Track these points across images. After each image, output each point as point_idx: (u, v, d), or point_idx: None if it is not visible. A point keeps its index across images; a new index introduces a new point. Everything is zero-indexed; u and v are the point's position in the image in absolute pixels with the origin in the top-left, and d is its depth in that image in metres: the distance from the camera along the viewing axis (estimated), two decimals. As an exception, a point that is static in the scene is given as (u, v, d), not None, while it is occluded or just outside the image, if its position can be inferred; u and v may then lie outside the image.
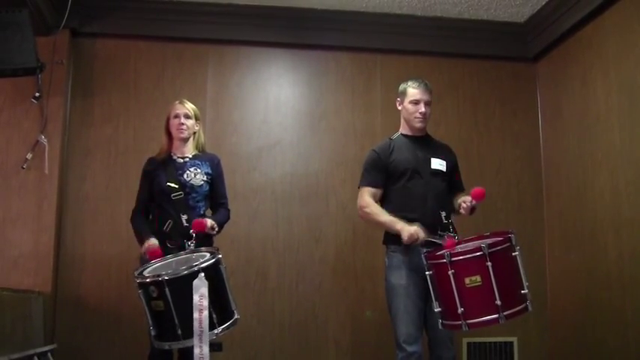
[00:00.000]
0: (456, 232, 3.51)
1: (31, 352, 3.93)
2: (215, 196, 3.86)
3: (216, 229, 3.65)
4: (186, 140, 3.85)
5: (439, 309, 3.14)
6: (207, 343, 2.89)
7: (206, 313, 2.89)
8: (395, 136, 3.73)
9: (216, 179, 3.86)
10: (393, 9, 5.13)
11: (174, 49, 5.08)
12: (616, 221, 4.31)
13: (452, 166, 3.68)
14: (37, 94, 4.54)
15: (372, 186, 3.59)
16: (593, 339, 4.50)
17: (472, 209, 3.47)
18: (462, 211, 3.48)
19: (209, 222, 3.59)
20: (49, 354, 4.20)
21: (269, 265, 4.93)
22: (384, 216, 3.50)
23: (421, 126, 3.65)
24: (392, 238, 3.56)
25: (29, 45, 4.13)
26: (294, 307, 4.90)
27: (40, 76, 4.45)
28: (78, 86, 4.91)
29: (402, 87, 3.73)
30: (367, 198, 3.57)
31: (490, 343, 4.96)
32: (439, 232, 3.44)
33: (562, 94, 5.05)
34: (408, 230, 3.32)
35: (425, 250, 3.29)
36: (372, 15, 5.18)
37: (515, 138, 5.34)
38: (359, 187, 3.66)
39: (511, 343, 5.00)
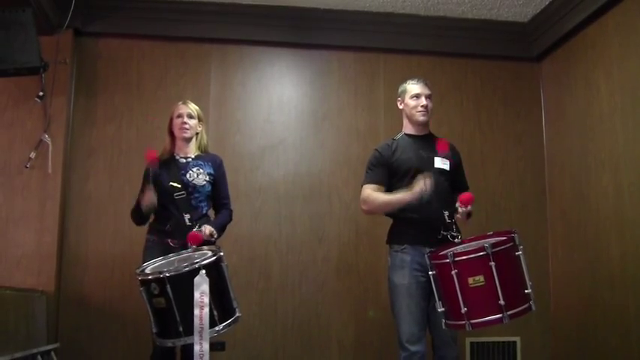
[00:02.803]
0: (459, 232, 3.50)
1: (34, 350, 3.94)
2: (217, 196, 3.87)
3: (215, 235, 3.63)
4: (189, 140, 3.86)
5: (442, 309, 3.14)
6: (208, 340, 2.89)
7: (207, 310, 2.89)
8: (398, 136, 3.73)
9: (218, 180, 3.86)
10: (397, 8, 5.13)
11: (177, 49, 5.09)
12: (619, 221, 4.30)
13: (455, 164, 3.67)
14: (41, 94, 4.55)
15: (374, 183, 3.58)
16: (596, 339, 4.49)
17: (468, 215, 3.46)
18: (458, 216, 3.47)
19: (207, 230, 3.58)
20: (52, 353, 4.22)
21: (272, 264, 4.93)
22: (383, 196, 3.51)
23: (424, 119, 3.64)
24: (395, 237, 3.56)
25: (33, 44, 4.14)
26: (297, 307, 4.90)
27: (43, 75, 4.47)
28: (81, 86, 4.92)
29: (401, 87, 3.76)
30: (367, 192, 3.57)
31: (493, 342, 4.96)
32: (442, 232, 3.44)
33: (565, 94, 5.04)
34: (415, 189, 3.34)
35: (428, 250, 3.29)
36: (376, 14, 5.18)
37: (518, 138, 5.34)
38: (362, 187, 3.66)
39: (514, 342, 4.99)
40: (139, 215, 3.78)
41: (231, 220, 3.92)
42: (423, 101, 3.62)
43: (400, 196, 3.42)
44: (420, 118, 3.64)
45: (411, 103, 3.64)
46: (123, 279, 4.64)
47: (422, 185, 3.33)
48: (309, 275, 4.95)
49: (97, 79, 4.96)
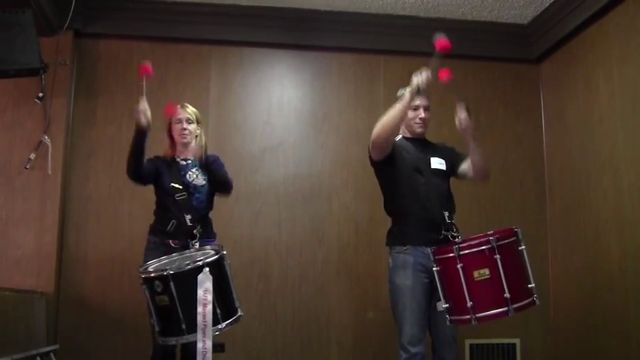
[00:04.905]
0: (458, 232, 3.50)
1: (34, 352, 3.93)
2: (214, 175, 3.82)
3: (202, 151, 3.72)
4: (188, 144, 3.87)
5: (446, 305, 3.14)
6: (211, 338, 2.89)
7: (210, 307, 2.89)
8: (397, 138, 3.73)
9: (213, 165, 3.82)
10: (397, 10, 5.14)
11: (177, 50, 5.09)
12: (619, 222, 4.31)
13: (451, 161, 3.66)
14: (41, 95, 4.56)
15: None
16: (596, 340, 4.49)
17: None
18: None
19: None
20: (51, 354, 4.21)
21: (272, 266, 4.93)
22: (387, 114, 3.45)
23: (421, 131, 3.66)
24: (396, 238, 3.55)
25: (33, 45, 4.13)
26: (296, 308, 4.89)
27: (43, 76, 4.47)
28: (81, 87, 4.92)
29: (400, 92, 3.70)
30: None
31: (493, 344, 4.95)
32: (443, 232, 3.44)
33: (565, 96, 5.05)
34: (414, 82, 3.33)
35: (432, 248, 3.28)
36: (376, 16, 5.19)
37: (518, 139, 5.35)
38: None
39: (514, 344, 4.99)
40: (135, 153, 3.66)
41: (230, 186, 3.87)
42: (422, 114, 3.62)
43: (402, 101, 3.40)
44: (418, 130, 3.65)
45: (410, 113, 3.62)
46: (122, 280, 4.64)
47: (418, 77, 3.32)
48: (309, 277, 4.95)
49: (97, 81, 4.96)
